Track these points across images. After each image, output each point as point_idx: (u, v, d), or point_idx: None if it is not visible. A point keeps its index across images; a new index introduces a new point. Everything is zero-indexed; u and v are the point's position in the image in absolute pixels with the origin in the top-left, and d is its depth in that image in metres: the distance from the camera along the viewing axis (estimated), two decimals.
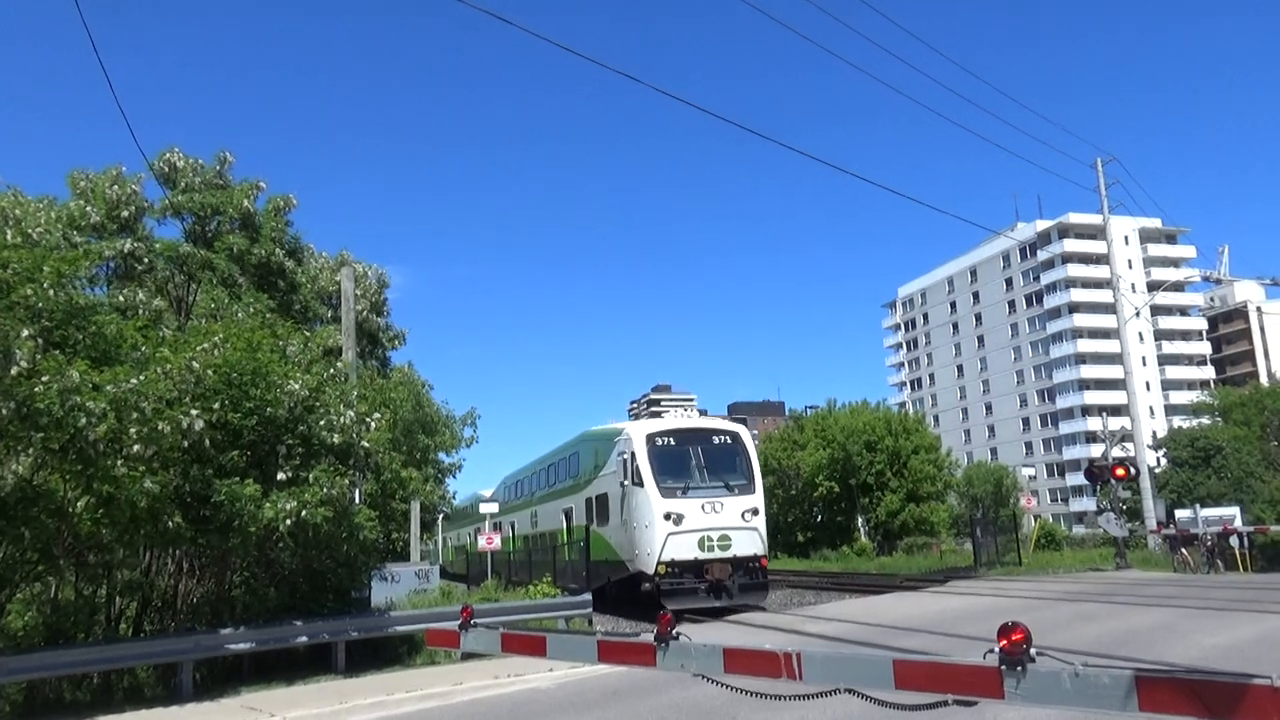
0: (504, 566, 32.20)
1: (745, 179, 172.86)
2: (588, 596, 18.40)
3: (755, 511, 21.47)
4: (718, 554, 20.65)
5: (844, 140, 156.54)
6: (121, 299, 16.99)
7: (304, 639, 14.45)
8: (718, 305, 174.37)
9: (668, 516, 20.49)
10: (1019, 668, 3.35)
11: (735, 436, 22.98)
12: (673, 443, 22.05)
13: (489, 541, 26.00)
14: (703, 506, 20.83)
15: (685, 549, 20.42)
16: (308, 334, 17.50)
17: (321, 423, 14.13)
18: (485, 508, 30.06)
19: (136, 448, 11.91)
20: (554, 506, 29.63)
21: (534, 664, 13.73)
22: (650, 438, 22.01)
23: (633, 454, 21.67)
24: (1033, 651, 3.36)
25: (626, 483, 21.63)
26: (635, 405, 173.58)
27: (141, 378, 12.05)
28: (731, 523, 20.95)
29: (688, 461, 21.87)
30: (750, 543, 21.20)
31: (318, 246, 23.87)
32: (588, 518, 24.93)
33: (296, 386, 13.82)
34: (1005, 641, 3.41)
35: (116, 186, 18.38)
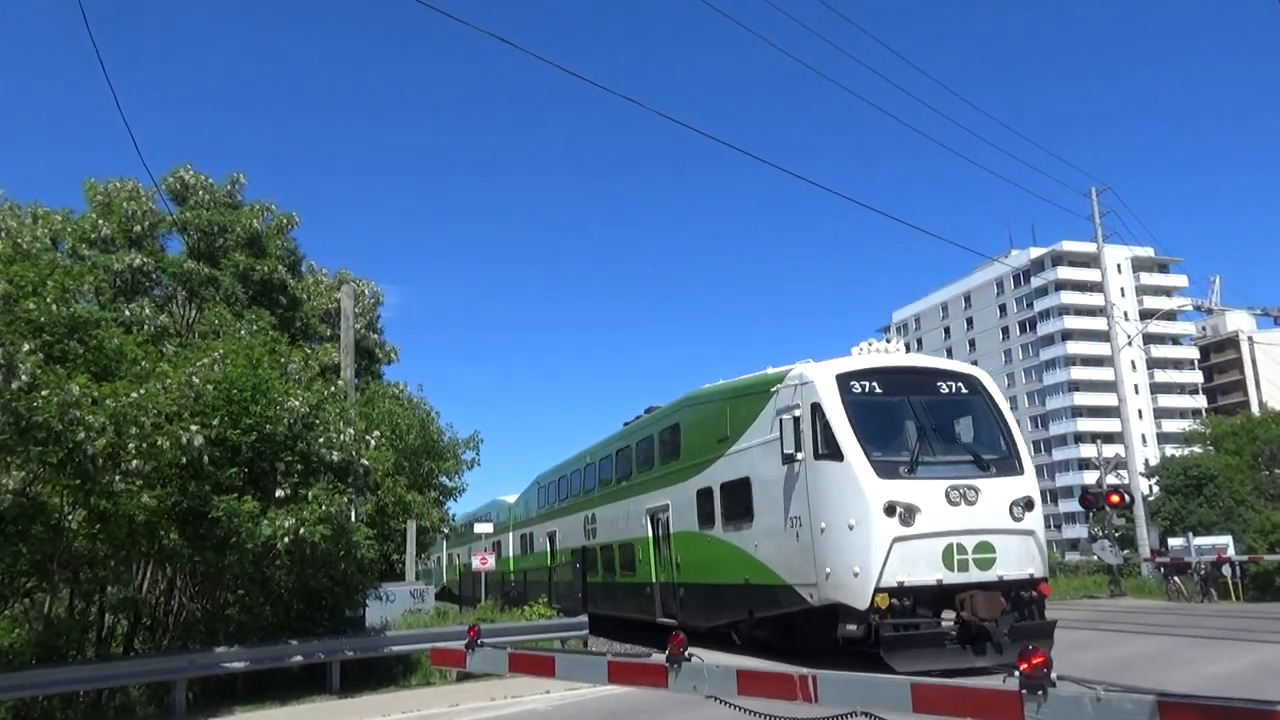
0: (540, 589, 24.05)
1: (740, 202, 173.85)
2: (584, 618, 18.23)
3: (1029, 504, 13.58)
4: (975, 574, 12.93)
5: (839, 165, 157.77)
6: (128, 313, 16.99)
7: (299, 658, 14.33)
8: (712, 328, 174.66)
9: (891, 510, 12.80)
10: (1040, 692, 3.37)
11: (974, 384, 15.03)
12: (879, 390, 14.27)
13: (483, 562, 25.84)
14: (947, 494, 13.11)
15: (921, 565, 12.81)
16: (309, 351, 17.51)
17: (321, 440, 14.09)
18: (480, 527, 29.95)
19: (135, 463, 11.86)
20: (628, 506, 21.85)
21: (531, 686, 13.65)
22: (845, 380, 14.13)
23: (816, 407, 13.97)
24: (1054, 676, 3.38)
25: (802, 455, 13.98)
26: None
27: (141, 392, 12.02)
28: (994, 522, 13.24)
29: (910, 421, 14.12)
30: (1024, 556, 13.37)
31: (315, 262, 23.97)
32: (699, 517, 17.75)
33: (297, 403, 13.79)
34: (1026, 665, 3.42)
35: (133, 201, 18.44)
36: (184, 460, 12.59)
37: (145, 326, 17.00)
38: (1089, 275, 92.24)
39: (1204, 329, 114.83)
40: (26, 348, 11.00)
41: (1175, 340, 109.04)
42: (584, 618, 18.31)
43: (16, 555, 12.18)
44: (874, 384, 14.33)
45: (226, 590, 15.26)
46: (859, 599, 12.76)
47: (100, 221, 18.14)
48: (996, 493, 13.43)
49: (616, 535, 22.61)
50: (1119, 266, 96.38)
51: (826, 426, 13.76)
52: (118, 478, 11.83)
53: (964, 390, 14.87)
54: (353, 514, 15.61)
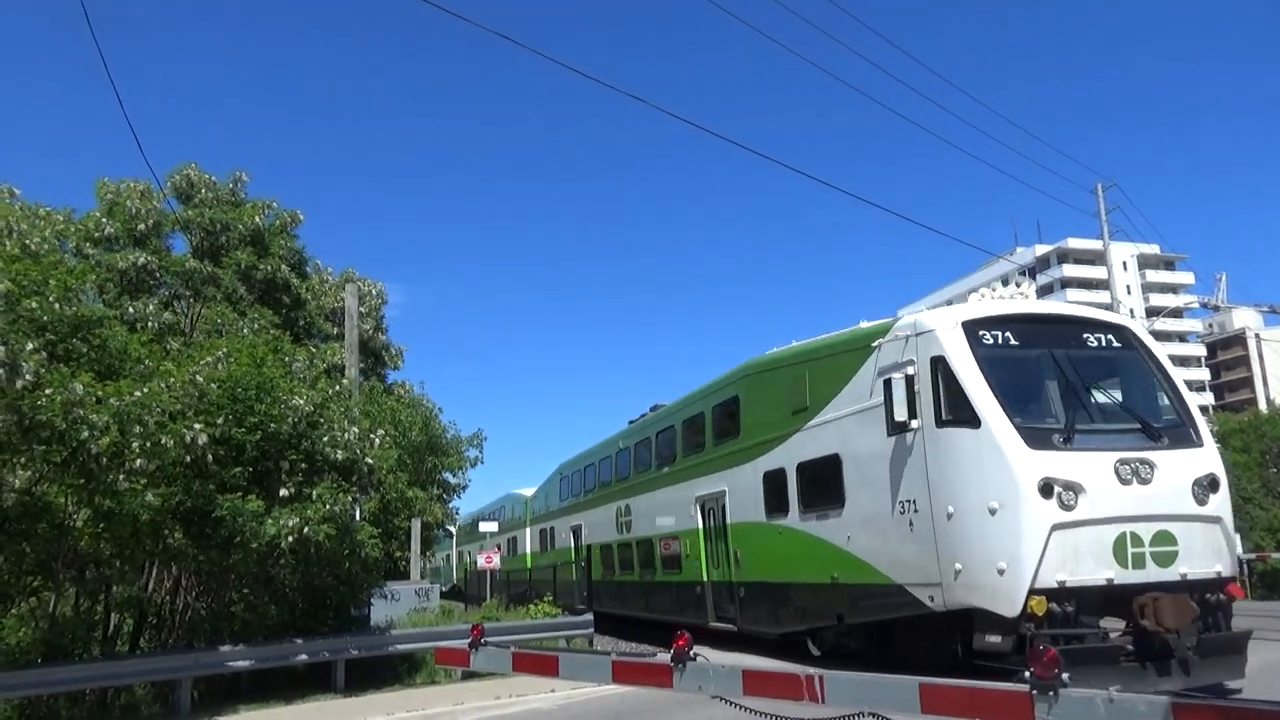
0: (565, 587, 22.93)
1: (742, 199, 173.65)
2: (589, 616, 18.20)
3: (1214, 484, 10.84)
4: (1153, 572, 10.27)
5: (842, 162, 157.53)
6: (132, 311, 17.00)
7: (304, 657, 14.32)
8: (713, 327, 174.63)
9: (1048, 489, 10.22)
10: (1051, 692, 3.32)
11: (1129, 337, 12.38)
12: (1015, 342, 11.68)
13: (488, 560, 25.84)
14: (1116, 469, 10.43)
15: (1088, 560, 10.17)
16: (313, 350, 17.49)
17: (325, 439, 14.07)
18: (485, 526, 29.92)
19: (139, 461, 11.87)
20: (672, 494, 19.47)
21: (535, 685, 13.62)
22: (973, 329, 11.60)
23: (938, 363, 11.49)
24: (1065, 677, 3.33)
25: (918, 423, 11.57)
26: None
27: (145, 391, 12.02)
28: (1175, 505, 10.55)
29: (1056, 380, 11.42)
30: (1210, 549, 10.67)
31: (321, 261, 23.97)
32: (766, 504, 15.34)
33: (301, 402, 13.77)
34: (1037, 666, 3.37)
35: (142, 200, 18.46)
36: (188, 459, 12.58)
37: (150, 325, 17.00)
38: (1095, 273, 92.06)
39: (1210, 326, 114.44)
40: (30, 346, 10.99)
41: (1181, 338, 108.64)
42: (589, 616, 18.28)
43: (21, 554, 12.18)
44: (1008, 334, 11.72)
45: (231, 589, 15.25)
46: (1005, 603, 10.14)
47: (105, 220, 18.16)
48: (1175, 468, 10.68)
49: (657, 528, 20.15)
50: (1125, 264, 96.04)
51: (955, 385, 11.18)
52: (121, 477, 11.83)
53: (1116, 343, 12.16)
54: (357, 513, 15.60)
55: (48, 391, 10.94)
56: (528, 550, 33.04)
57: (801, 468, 14.41)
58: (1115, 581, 10.18)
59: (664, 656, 4.92)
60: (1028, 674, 3.38)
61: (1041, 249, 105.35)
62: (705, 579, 17.77)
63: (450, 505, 27.58)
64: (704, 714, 11.03)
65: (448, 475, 22.01)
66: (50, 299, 11.77)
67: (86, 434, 11.12)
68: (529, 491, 34.42)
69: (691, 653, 4.71)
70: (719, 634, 17.04)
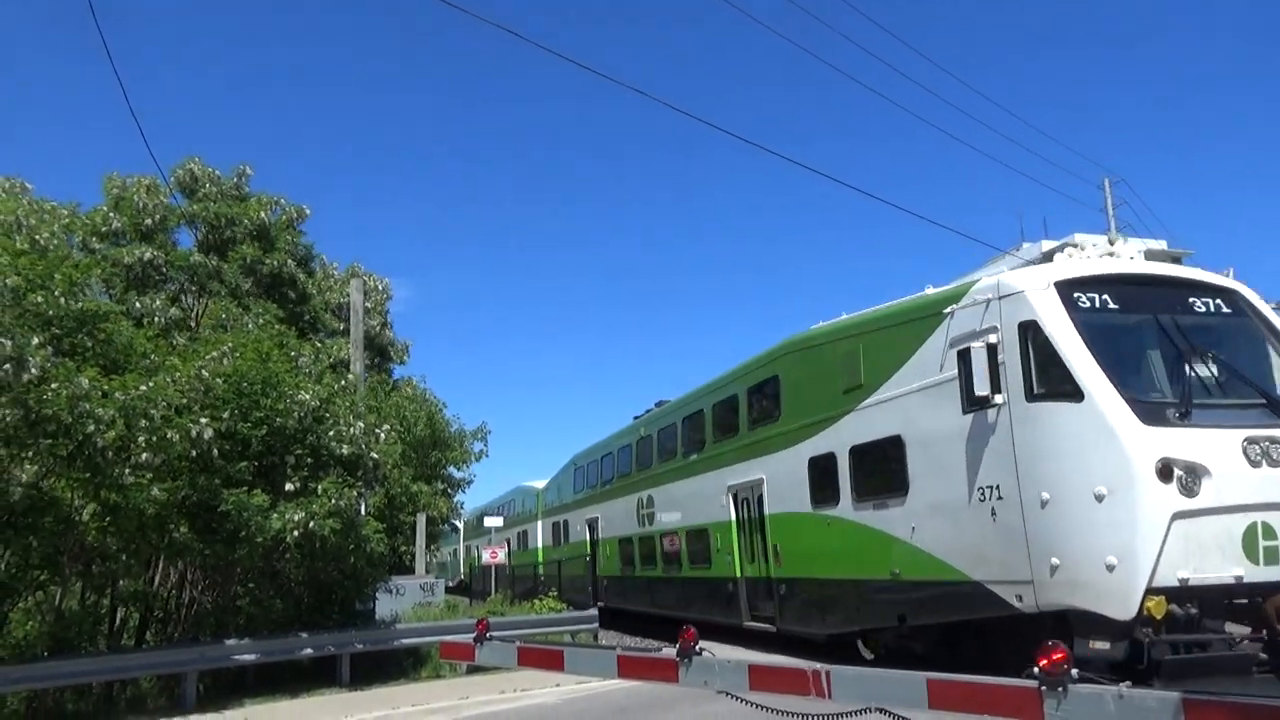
0: (577, 583, 22.69)
1: (748, 193, 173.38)
2: (594, 611, 18.23)
3: None
4: None
5: (846, 156, 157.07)
6: (139, 306, 17.04)
7: (309, 651, 14.36)
8: (719, 320, 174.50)
9: (1167, 472, 8.99)
10: (1060, 688, 3.29)
11: (1239, 302, 10.98)
12: (1114, 306, 10.39)
13: (493, 555, 25.90)
14: (1244, 450, 9.22)
15: (1214, 554, 8.96)
16: (319, 345, 17.51)
17: (331, 434, 14.09)
18: (489, 521, 29.96)
19: (145, 456, 11.88)
20: (700, 484, 18.18)
21: (539, 680, 13.63)
22: (1068, 291, 10.28)
23: (1029, 329, 10.19)
24: (1074, 672, 3.30)
25: (1003, 397, 10.23)
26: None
27: (150, 385, 12.04)
28: None
29: (1165, 350, 10.21)
30: None
31: (326, 256, 24.00)
32: (812, 493, 13.98)
33: (307, 397, 13.79)
34: (1045, 661, 3.34)
35: (148, 194, 18.51)
36: (194, 453, 12.61)
37: (156, 320, 17.04)
38: None
39: None
40: (36, 341, 11.01)
41: None
42: (594, 610, 18.32)
43: (28, 548, 12.22)
44: (1107, 297, 10.30)
45: (236, 583, 15.30)
46: (1117, 604, 8.85)
47: (112, 215, 18.21)
48: None
49: (683, 520, 18.89)
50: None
51: (1050, 353, 9.84)
52: (127, 471, 11.85)
53: (1226, 309, 10.71)
54: (362, 508, 15.64)
55: (54, 386, 10.96)
56: (539, 544, 32.08)
57: (856, 452, 12.98)
58: (1244, 580, 8.82)
59: (669, 651, 4.91)
60: (1035, 670, 3.36)
61: (1048, 244, 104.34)
62: (738, 574, 16.51)
63: (455, 500, 27.59)
64: (709, 709, 11.03)
65: (452, 470, 22.06)
66: (56, 293, 11.80)
67: (92, 428, 11.14)
68: (540, 484, 33.65)
69: (697, 647, 4.70)
70: (755, 635, 15.88)
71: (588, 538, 24.90)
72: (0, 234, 12.28)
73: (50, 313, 11.78)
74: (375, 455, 14.60)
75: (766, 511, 15.50)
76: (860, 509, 12.88)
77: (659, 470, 20.82)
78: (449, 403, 26.22)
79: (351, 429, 14.33)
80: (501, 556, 27.07)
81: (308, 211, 20.57)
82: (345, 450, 14.23)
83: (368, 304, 21.65)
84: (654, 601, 20.73)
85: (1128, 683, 3.15)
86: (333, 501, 13.41)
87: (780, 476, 15.04)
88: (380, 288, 25.85)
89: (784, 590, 15.02)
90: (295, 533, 12.98)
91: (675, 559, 19.36)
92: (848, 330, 13.84)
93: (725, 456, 17.26)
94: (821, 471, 13.82)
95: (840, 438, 13.36)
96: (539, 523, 32.37)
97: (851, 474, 13.10)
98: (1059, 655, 3.32)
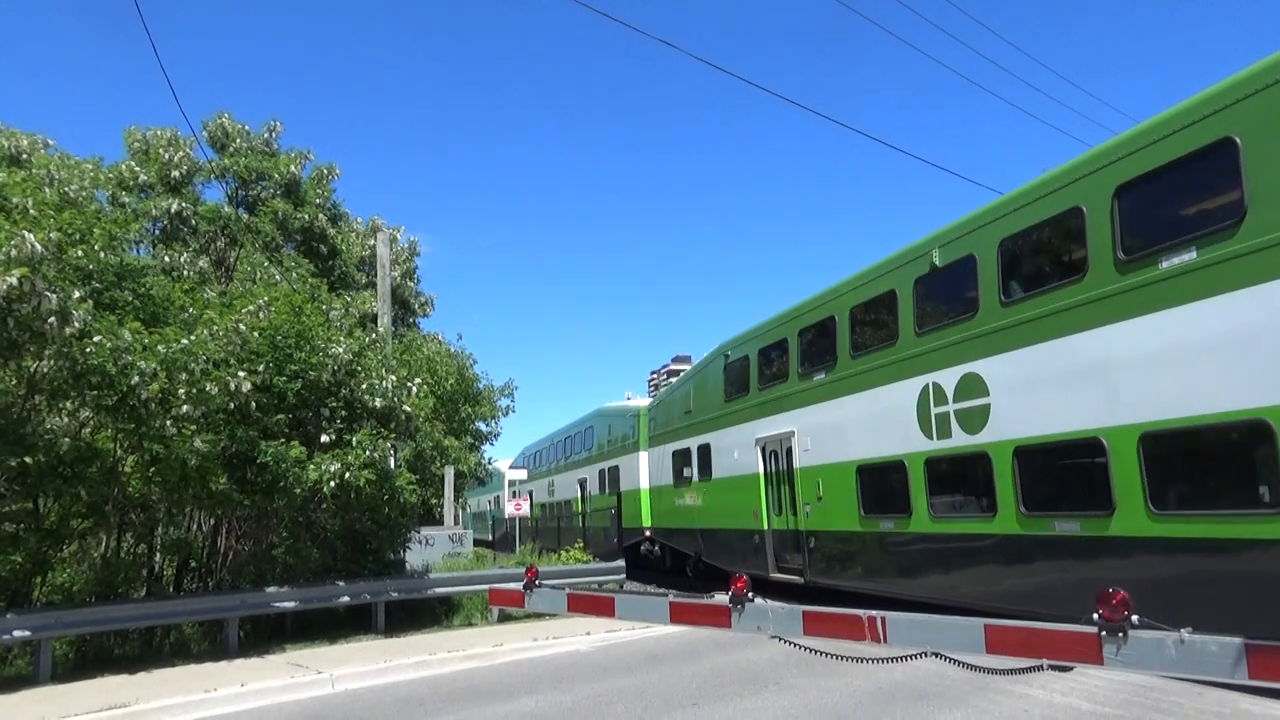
0: (764, 547, 16.82)
1: (776, 149, 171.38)
2: (621, 562, 18.50)
3: None
4: None
5: (885, 114, 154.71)
6: (167, 259, 17.17)
7: (346, 599, 14.68)
8: (739, 277, 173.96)
9: None
10: (1120, 634, 3.36)
11: None
12: None
13: (518, 508, 26.18)
14: None
15: None
16: (349, 299, 17.62)
17: (364, 386, 14.25)
18: (512, 474, 30.18)
19: (185, 408, 12.09)
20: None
21: (570, 627, 13.94)
22: None
23: None
24: (1135, 619, 3.37)
25: None
26: (656, 376, 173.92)
27: (191, 339, 12.21)
28: None
29: None
30: None
31: (352, 212, 24.05)
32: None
33: (340, 350, 13.93)
34: (1106, 607, 3.41)
35: (172, 148, 18.55)
36: (232, 406, 12.81)
37: (185, 273, 17.17)
38: None
39: None
40: (77, 295, 11.17)
41: None
42: (621, 562, 18.59)
43: (75, 497, 12.52)
44: None
45: (272, 533, 15.61)
46: None
47: (138, 168, 18.28)
48: None
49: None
50: None
51: None
52: (169, 423, 12.07)
53: None
54: (393, 460, 15.86)
55: (96, 339, 11.14)
56: (641, 484, 24.43)
57: None
58: None
59: (721, 598, 5.01)
60: (1095, 614, 3.43)
61: None
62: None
63: (483, 453, 27.80)
64: (740, 656, 11.27)
65: (480, 424, 22.20)
66: (96, 248, 11.93)
67: (136, 379, 11.35)
68: (641, 401, 26.82)
69: (749, 594, 4.80)
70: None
71: (761, 469, 17.28)
72: (33, 188, 12.36)
73: (90, 267, 11.93)
74: (407, 409, 14.75)
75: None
76: None
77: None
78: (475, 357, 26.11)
79: (384, 382, 14.48)
80: (525, 509, 27.28)
81: (338, 170, 20.61)
82: (378, 403, 14.39)
83: (391, 257, 21.70)
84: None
85: (1189, 628, 3.21)
86: (367, 453, 13.60)
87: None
88: (406, 242, 25.88)
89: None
90: (332, 484, 13.20)
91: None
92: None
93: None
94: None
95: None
96: (640, 454, 24.86)
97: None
98: (1119, 601, 3.39)
